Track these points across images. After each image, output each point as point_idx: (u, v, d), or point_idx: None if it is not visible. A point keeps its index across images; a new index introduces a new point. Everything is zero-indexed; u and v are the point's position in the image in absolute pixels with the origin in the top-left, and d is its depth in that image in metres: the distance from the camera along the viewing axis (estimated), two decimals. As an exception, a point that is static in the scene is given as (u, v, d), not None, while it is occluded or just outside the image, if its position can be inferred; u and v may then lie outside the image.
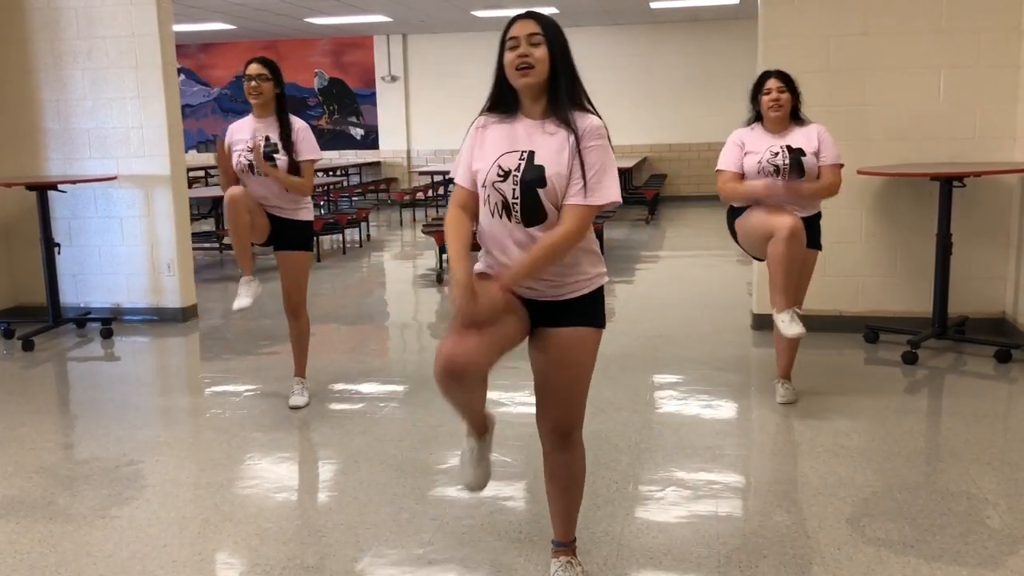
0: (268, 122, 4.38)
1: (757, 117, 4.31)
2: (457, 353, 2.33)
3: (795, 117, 4.26)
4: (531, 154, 2.41)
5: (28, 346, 5.96)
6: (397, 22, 13.98)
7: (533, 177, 2.39)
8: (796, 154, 4.14)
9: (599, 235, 9.12)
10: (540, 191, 2.38)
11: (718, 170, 4.32)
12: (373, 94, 16.07)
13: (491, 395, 4.61)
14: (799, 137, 4.19)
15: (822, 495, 3.34)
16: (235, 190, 4.30)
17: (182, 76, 16.01)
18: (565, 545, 2.73)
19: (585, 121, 2.42)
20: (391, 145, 16.17)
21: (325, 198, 12.80)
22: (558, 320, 2.50)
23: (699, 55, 14.78)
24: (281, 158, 4.31)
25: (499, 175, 2.42)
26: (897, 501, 3.29)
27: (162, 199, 6.55)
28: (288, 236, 4.45)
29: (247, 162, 4.32)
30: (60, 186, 6.22)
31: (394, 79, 15.87)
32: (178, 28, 12.96)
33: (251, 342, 6.08)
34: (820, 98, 5.54)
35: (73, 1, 6.42)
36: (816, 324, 5.64)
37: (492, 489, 3.45)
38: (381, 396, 4.79)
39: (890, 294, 5.68)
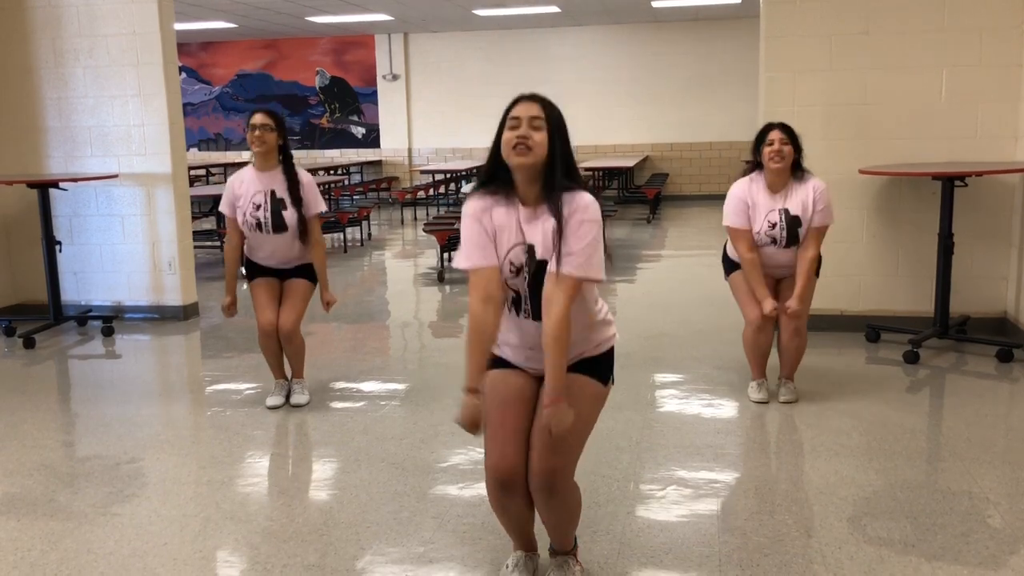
0: (272, 175, 4.38)
1: (757, 166, 4.33)
2: (504, 460, 2.43)
3: (796, 169, 4.28)
4: (531, 248, 2.43)
5: (29, 344, 5.96)
6: (398, 21, 13.98)
7: (539, 271, 2.41)
8: (793, 223, 4.25)
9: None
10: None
11: (728, 227, 4.38)
12: (374, 93, 16.07)
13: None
14: (797, 198, 4.25)
15: (823, 494, 3.34)
16: (266, 328, 4.40)
17: (183, 74, 16.01)
18: (564, 554, 2.72)
19: (577, 200, 2.39)
20: (392, 144, 16.17)
21: (326, 197, 12.77)
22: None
23: (701, 54, 14.77)
24: (289, 214, 4.33)
25: (511, 271, 2.44)
26: (898, 500, 3.28)
27: (163, 197, 6.55)
28: (295, 272, 4.53)
29: (255, 221, 4.33)
30: (61, 184, 6.22)
31: (395, 78, 15.87)
32: (179, 26, 12.99)
33: (252, 340, 6.06)
34: (822, 98, 5.55)
35: (75, -1, 6.43)
36: (818, 323, 5.65)
37: (493, 487, 3.46)
38: (382, 395, 4.79)
39: (892, 293, 5.68)
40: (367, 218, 10.87)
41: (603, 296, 2.66)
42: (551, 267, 2.38)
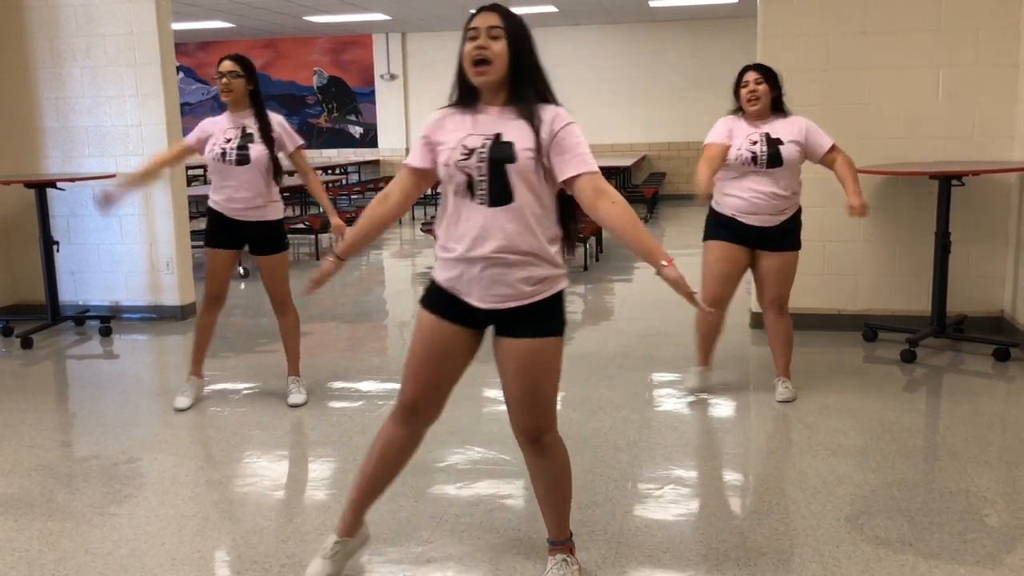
0: (244, 115, 4.37)
1: (738, 111, 4.34)
2: (410, 398, 2.57)
3: (778, 109, 4.28)
4: (498, 135, 2.37)
5: (27, 344, 5.96)
6: (396, 20, 13.97)
7: (501, 154, 2.34)
8: (774, 143, 4.17)
9: (597, 235, 9.13)
10: (509, 167, 2.34)
11: (706, 144, 4.33)
12: (372, 92, 16.07)
13: (490, 393, 4.63)
14: (780, 127, 4.21)
15: (820, 493, 3.35)
16: (209, 299, 4.48)
17: (181, 74, 16.00)
18: (559, 543, 2.72)
19: (548, 110, 2.39)
20: (390, 143, 16.18)
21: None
22: (517, 330, 2.45)
23: (698, 54, 14.79)
24: (257, 147, 4.31)
25: (463, 154, 2.37)
26: (895, 499, 3.29)
27: (161, 197, 6.55)
28: (262, 241, 4.46)
29: (220, 151, 4.30)
30: (59, 184, 6.22)
31: (393, 77, 15.87)
32: (177, 26, 12.97)
33: (249, 340, 6.08)
34: (819, 97, 5.55)
35: (72, -1, 6.43)
36: (815, 322, 5.66)
37: (491, 487, 3.46)
38: (380, 394, 4.80)
39: (889, 293, 5.69)
40: (365, 218, 10.84)
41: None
42: (572, 172, 2.34)
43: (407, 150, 16.12)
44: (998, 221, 5.50)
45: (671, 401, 4.55)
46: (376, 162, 16.14)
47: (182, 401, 4.56)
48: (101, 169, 6.51)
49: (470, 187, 2.38)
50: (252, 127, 4.34)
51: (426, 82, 15.79)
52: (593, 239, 9.03)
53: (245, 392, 4.85)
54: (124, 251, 6.68)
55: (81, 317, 6.53)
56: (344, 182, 14.66)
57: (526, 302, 2.43)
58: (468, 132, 2.41)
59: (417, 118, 15.98)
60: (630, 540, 3.02)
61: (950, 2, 5.37)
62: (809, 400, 4.44)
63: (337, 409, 4.54)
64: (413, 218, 13.21)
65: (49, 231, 6.24)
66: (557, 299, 2.49)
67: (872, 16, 5.47)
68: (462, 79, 2.45)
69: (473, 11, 2.43)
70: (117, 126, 6.51)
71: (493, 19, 2.37)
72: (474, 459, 3.78)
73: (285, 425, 4.33)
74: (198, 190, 10.24)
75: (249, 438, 4.14)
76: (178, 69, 13.49)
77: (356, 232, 2.63)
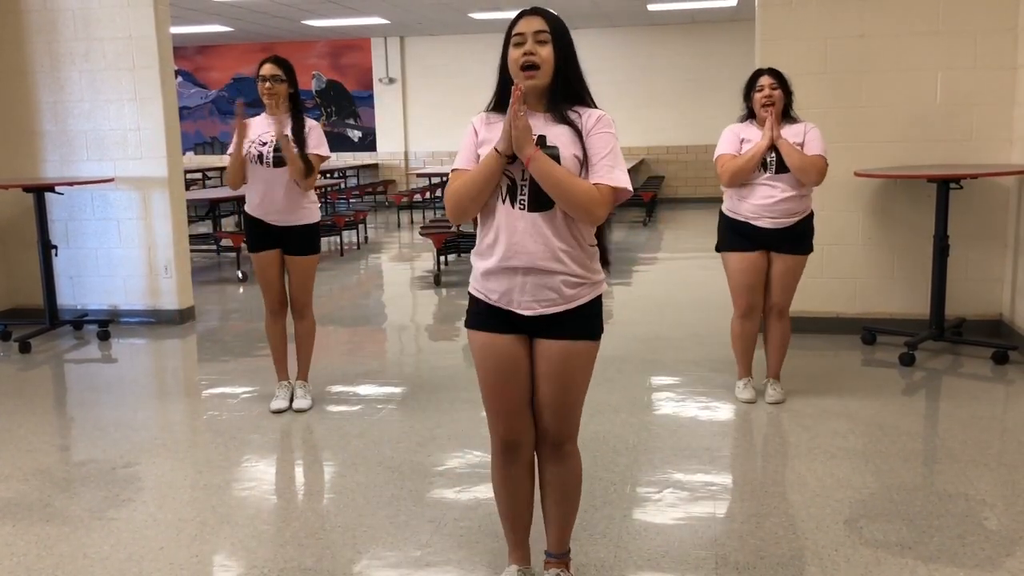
0: (281, 118, 4.35)
1: (750, 115, 4.32)
2: (511, 426, 2.51)
3: (787, 116, 4.28)
4: (542, 138, 2.36)
5: (25, 348, 5.95)
6: (394, 24, 13.99)
7: (547, 155, 2.33)
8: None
9: (600, 236, 9.13)
10: None
11: (717, 157, 4.32)
12: (371, 96, 16.08)
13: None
14: (788, 134, 4.21)
15: (819, 496, 3.35)
16: (272, 307, 4.50)
17: (179, 78, 16.01)
18: (557, 557, 2.69)
19: (590, 114, 2.39)
20: (389, 147, 16.18)
21: (323, 200, 12.80)
22: (554, 332, 2.44)
23: (697, 57, 14.81)
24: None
25: (506, 158, 2.35)
26: (895, 502, 3.29)
27: (159, 201, 6.55)
28: (297, 242, 4.46)
29: (257, 152, 4.31)
30: (57, 188, 6.21)
31: (391, 81, 15.88)
32: (175, 30, 12.98)
33: (248, 344, 6.07)
34: (817, 100, 5.55)
35: (70, 3, 6.42)
36: (813, 326, 5.66)
37: (489, 491, 3.45)
38: (379, 398, 4.79)
39: (887, 296, 5.69)
40: (363, 221, 10.86)
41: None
42: (566, 162, 2.32)
43: (406, 154, 16.13)
44: (996, 224, 5.50)
45: (670, 405, 4.55)
46: (375, 166, 16.14)
47: (276, 404, 4.56)
48: (99, 173, 6.51)
49: (511, 191, 2.38)
50: (288, 129, 4.33)
51: (425, 86, 15.80)
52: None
53: (243, 396, 4.84)
54: (122, 255, 6.67)
55: (79, 321, 6.52)
56: (343, 186, 14.66)
57: (569, 306, 2.42)
58: None
59: (416, 122, 15.99)
60: (629, 544, 3.01)
61: (948, 5, 5.37)
62: (808, 403, 4.44)
63: (336, 413, 4.53)
64: (412, 221, 13.21)
65: (47, 235, 6.24)
66: (596, 303, 2.49)
67: (870, 19, 5.47)
68: (504, 84, 2.44)
69: (516, 14, 2.41)
70: (116, 130, 6.51)
71: (538, 23, 2.36)
72: (473, 463, 3.77)
73: (284, 429, 4.33)
74: (196, 194, 10.25)
75: (247, 442, 4.13)
76: (177, 73, 13.51)
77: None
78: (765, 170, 4.18)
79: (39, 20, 6.49)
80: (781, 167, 4.16)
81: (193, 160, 16.39)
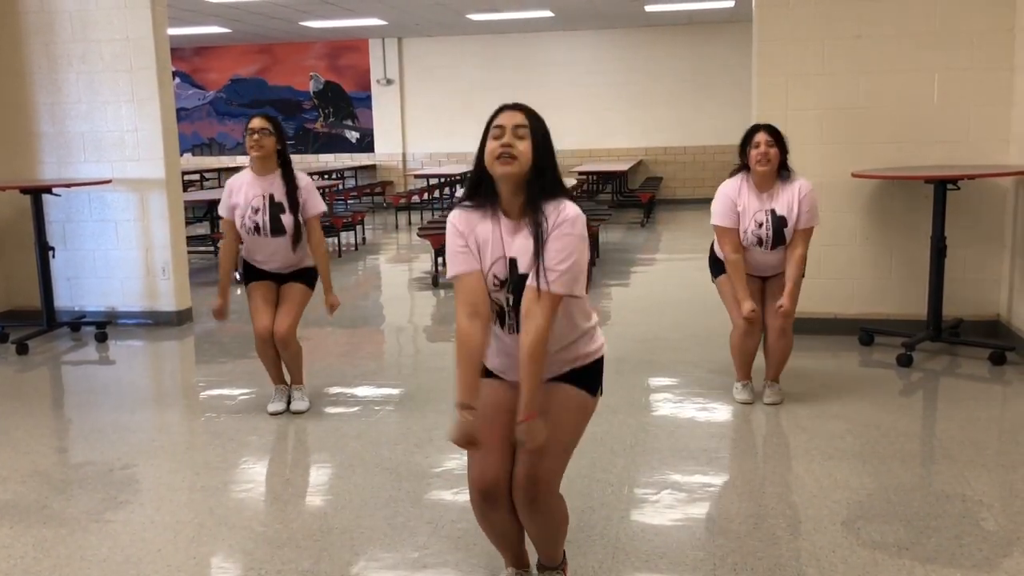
0: (271, 179, 4.36)
1: (744, 167, 4.35)
2: (486, 472, 2.40)
3: (782, 170, 4.30)
4: (513, 261, 2.38)
5: (22, 350, 5.95)
6: (392, 25, 13.98)
7: (519, 284, 2.37)
8: (779, 224, 4.26)
9: (595, 239, 9.13)
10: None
11: (714, 225, 4.41)
12: (368, 97, 16.08)
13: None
14: (783, 199, 4.26)
15: (817, 497, 3.35)
16: (262, 334, 4.41)
17: (177, 79, 16.00)
18: (550, 569, 2.68)
19: (561, 211, 2.34)
20: (386, 148, 16.18)
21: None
22: (552, 377, 2.47)
23: (694, 58, 14.81)
24: (287, 217, 4.33)
25: (495, 284, 2.40)
26: (892, 503, 3.29)
27: (157, 203, 6.54)
28: (292, 276, 4.51)
29: (253, 224, 4.32)
30: (55, 189, 6.21)
31: (389, 82, 15.87)
32: (173, 31, 12.97)
33: (246, 346, 6.06)
34: (815, 101, 5.56)
35: (68, 4, 6.42)
36: (811, 327, 5.66)
37: (487, 492, 3.45)
38: (376, 400, 4.79)
39: (885, 296, 5.69)
40: (361, 223, 10.87)
41: (597, 301, 2.66)
42: (531, 282, 2.32)
43: (403, 155, 16.12)
44: (994, 225, 5.51)
45: (668, 406, 4.55)
46: (372, 167, 16.14)
47: (273, 406, 4.55)
48: (97, 175, 6.50)
49: (500, 317, 2.44)
50: (279, 193, 4.33)
51: (422, 87, 15.79)
52: (590, 240, 9.02)
53: (241, 398, 4.84)
54: (120, 257, 6.66)
55: (77, 323, 6.52)
56: (340, 187, 14.65)
57: (569, 369, 2.51)
58: (496, 255, 2.40)
59: (414, 123, 15.99)
60: (627, 545, 3.01)
61: (945, 6, 5.38)
62: (805, 404, 4.44)
63: (334, 415, 4.53)
64: (410, 222, 13.21)
65: (45, 237, 6.23)
66: (596, 364, 2.56)
67: (867, 20, 5.48)
68: (479, 177, 2.42)
69: (496, 109, 2.42)
70: (113, 131, 6.51)
71: (519, 118, 2.37)
72: (471, 464, 3.77)
73: (281, 431, 4.33)
74: (194, 195, 10.25)
75: (245, 444, 4.13)
76: (174, 74, 13.51)
77: (466, 375, 2.36)
78: (761, 245, 4.30)
79: (36, 22, 6.48)
80: (777, 241, 4.27)
81: (191, 162, 16.37)
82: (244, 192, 4.37)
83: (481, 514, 2.48)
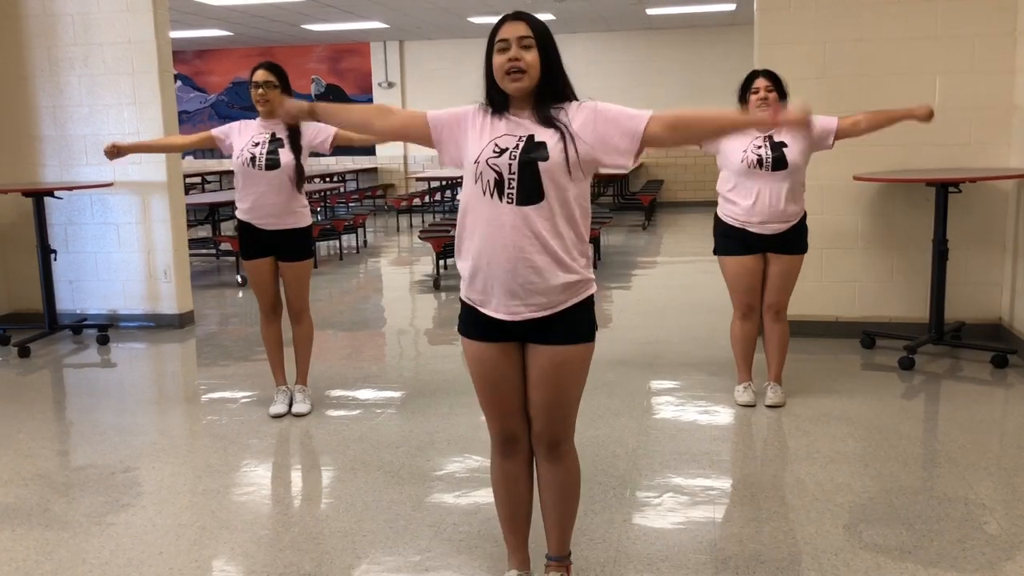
0: (275, 122, 4.35)
1: None
2: (506, 429, 2.54)
3: None
4: (531, 136, 2.36)
5: (24, 353, 5.95)
6: (394, 28, 14.00)
7: (536, 154, 2.32)
8: (779, 146, 4.17)
9: (595, 241, 9.14)
10: (541, 164, 2.31)
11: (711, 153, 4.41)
12: (370, 100, 16.07)
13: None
14: (784, 135, 4.20)
15: (819, 500, 3.34)
16: (266, 310, 4.51)
17: (178, 82, 16.02)
18: (558, 560, 2.68)
19: (577, 107, 2.40)
20: (388, 151, 16.18)
21: (322, 204, 12.81)
22: (546, 336, 2.41)
23: (695, 61, 14.82)
24: (286, 154, 4.31)
25: (495, 151, 2.35)
26: (894, 506, 3.29)
27: (159, 205, 6.55)
28: (290, 247, 4.44)
29: (249, 155, 4.29)
30: (56, 192, 6.22)
31: (391, 85, 15.89)
32: (175, 34, 12.98)
33: (248, 348, 6.07)
34: (816, 104, 5.51)
35: (70, 7, 6.43)
36: (813, 329, 5.66)
37: (489, 496, 3.44)
38: (378, 402, 4.79)
39: (887, 299, 5.69)
40: (363, 225, 10.87)
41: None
42: (554, 156, 2.31)
43: (405, 158, 16.13)
44: (995, 228, 5.51)
45: (669, 409, 4.55)
46: (374, 170, 16.15)
47: (275, 408, 4.55)
48: (99, 178, 6.51)
49: (499, 186, 2.34)
50: (282, 134, 4.33)
51: (424, 90, 15.80)
52: (591, 245, 9.02)
53: (243, 400, 4.84)
54: (122, 259, 6.67)
55: (78, 326, 6.52)
56: (342, 190, 14.66)
57: (557, 310, 2.39)
58: (502, 132, 2.39)
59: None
60: (628, 548, 3.01)
61: (946, 9, 5.38)
62: (807, 407, 4.44)
63: (335, 417, 4.53)
64: (411, 225, 13.21)
65: (47, 239, 6.24)
66: (587, 304, 2.44)
67: (868, 23, 5.48)
68: (491, 89, 2.42)
69: (498, 19, 2.41)
70: (115, 134, 6.50)
71: (522, 28, 2.36)
72: (472, 467, 3.77)
73: (283, 434, 4.33)
74: (196, 198, 10.25)
75: (247, 447, 4.13)
76: (176, 77, 13.52)
77: (336, 108, 2.70)
78: (761, 166, 4.17)
79: (38, 25, 6.49)
80: (778, 164, 4.15)
81: (192, 164, 16.39)
82: (250, 131, 4.37)
83: (501, 459, 2.61)
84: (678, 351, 5.68)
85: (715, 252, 4.48)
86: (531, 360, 2.47)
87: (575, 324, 2.43)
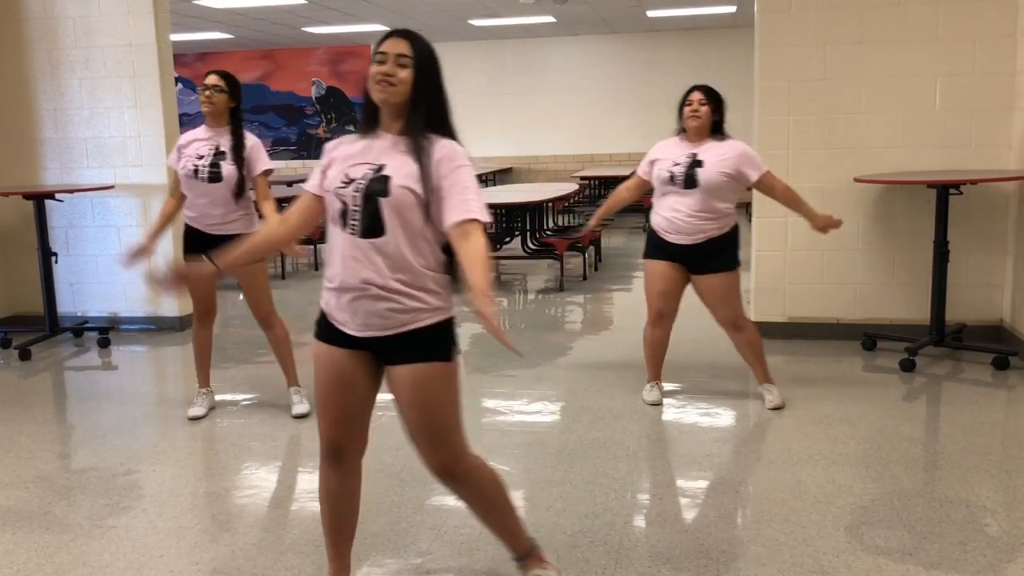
0: (220, 132, 4.40)
1: (681, 131, 4.39)
2: (333, 433, 2.55)
3: (717, 132, 4.31)
4: (381, 167, 2.34)
5: (25, 355, 5.95)
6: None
7: (377, 187, 2.30)
8: (695, 165, 4.20)
9: (596, 244, 9.14)
10: (381, 200, 2.29)
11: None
12: (370, 102, 16.10)
13: (489, 403, 4.62)
14: (712, 150, 4.24)
15: (820, 503, 3.34)
16: (199, 315, 4.58)
17: (179, 85, 16.03)
18: (519, 559, 2.70)
19: (441, 147, 2.33)
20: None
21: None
22: (398, 356, 2.40)
23: (696, 64, 14.81)
24: (228, 167, 4.33)
25: (343, 182, 2.35)
26: (895, 509, 3.28)
27: (159, 208, 6.53)
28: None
29: (192, 167, 4.34)
30: (57, 195, 6.22)
31: (391, 87, 15.89)
32: (176, 37, 12.99)
33: (248, 351, 6.07)
34: (816, 107, 5.56)
35: (71, 10, 6.43)
36: (813, 332, 5.66)
37: (490, 498, 3.45)
38: (378, 405, 4.76)
39: (888, 301, 5.69)
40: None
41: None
42: (457, 217, 2.23)
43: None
44: (996, 230, 5.50)
45: (670, 411, 4.55)
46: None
47: (195, 410, 4.59)
48: (100, 180, 6.52)
49: (344, 216, 2.35)
50: (225, 145, 4.37)
51: (424, 92, 15.80)
52: (592, 248, 9.04)
53: (243, 403, 4.84)
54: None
55: (79, 328, 6.52)
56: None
57: (401, 330, 2.36)
58: (356, 161, 2.38)
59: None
60: (630, 551, 3.01)
61: (947, 11, 5.38)
62: (808, 409, 4.43)
63: (336, 420, 4.52)
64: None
65: (47, 242, 6.24)
66: (441, 326, 2.40)
67: (869, 26, 5.48)
68: (367, 101, 2.44)
69: (385, 33, 2.43)
70: (116, 137, 6.52)
71: (402, 46, 2.36)
72: (473, 470, 3.76)
73: (284, 436, 4.32)
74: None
75: (248, 449, 4.13)
76: (177, 80, 13.54)
77: (247, 248, 2.62)
78: (672, 183, 4.24)
79: (39, 28, 6.50)
80: (689, 183, 4.20)
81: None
82: (195, 140, 4.42)
83: (325, 471, 2.62)
84: (679, 353, 5.66)
85: (643, 256, 4.57)
86: (391, 385, 2.47)
87: (428, 343, 2.39)
